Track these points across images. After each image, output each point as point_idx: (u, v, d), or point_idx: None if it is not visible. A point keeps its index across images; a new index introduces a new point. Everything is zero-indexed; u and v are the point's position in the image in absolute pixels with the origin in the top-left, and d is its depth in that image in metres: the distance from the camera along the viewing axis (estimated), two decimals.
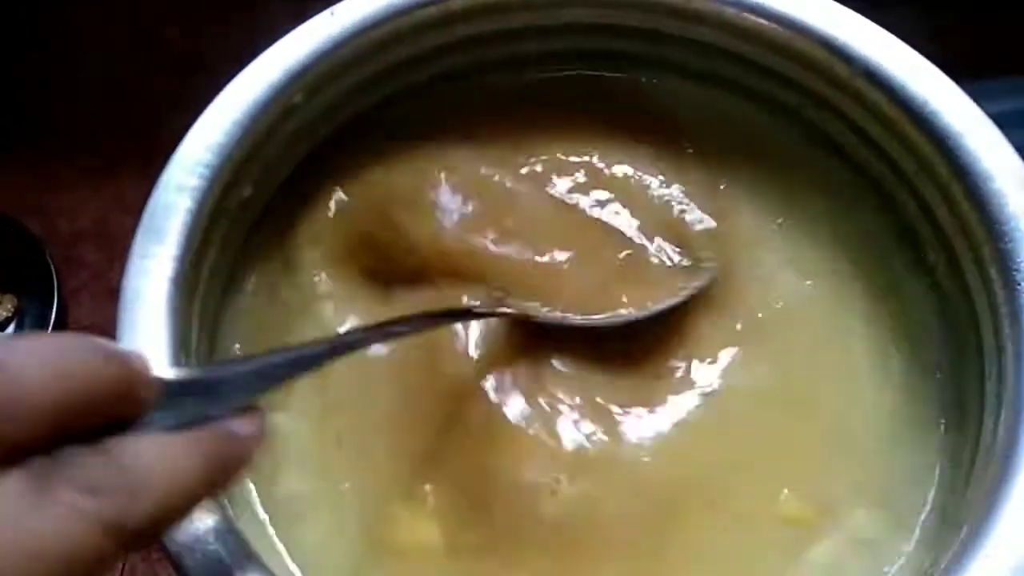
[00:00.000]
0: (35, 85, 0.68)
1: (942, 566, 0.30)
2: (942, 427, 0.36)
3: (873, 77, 0.38)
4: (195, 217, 0.35)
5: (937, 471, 0.35)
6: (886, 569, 0.34)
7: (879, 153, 0.40)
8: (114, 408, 0.22)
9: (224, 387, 0.24)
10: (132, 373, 0.22)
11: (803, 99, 0.41)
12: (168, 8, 0.68)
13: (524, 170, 0.42)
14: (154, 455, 0.22)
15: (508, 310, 0.37)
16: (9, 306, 0.63)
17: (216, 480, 0.24)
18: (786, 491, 0.35)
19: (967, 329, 0.36)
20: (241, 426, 0.24)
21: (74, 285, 0.64)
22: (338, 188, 0.41)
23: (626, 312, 0.37)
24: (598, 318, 0.37)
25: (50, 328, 0.60)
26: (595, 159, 0.42)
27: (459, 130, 0.43)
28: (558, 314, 0.37)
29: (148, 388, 0.23)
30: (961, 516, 0.32)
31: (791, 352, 0.38)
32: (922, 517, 0.35)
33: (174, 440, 0.23)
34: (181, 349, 0.33)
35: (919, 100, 0.37)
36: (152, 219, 0.35)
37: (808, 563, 0.34)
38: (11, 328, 0.63)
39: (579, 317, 0.37)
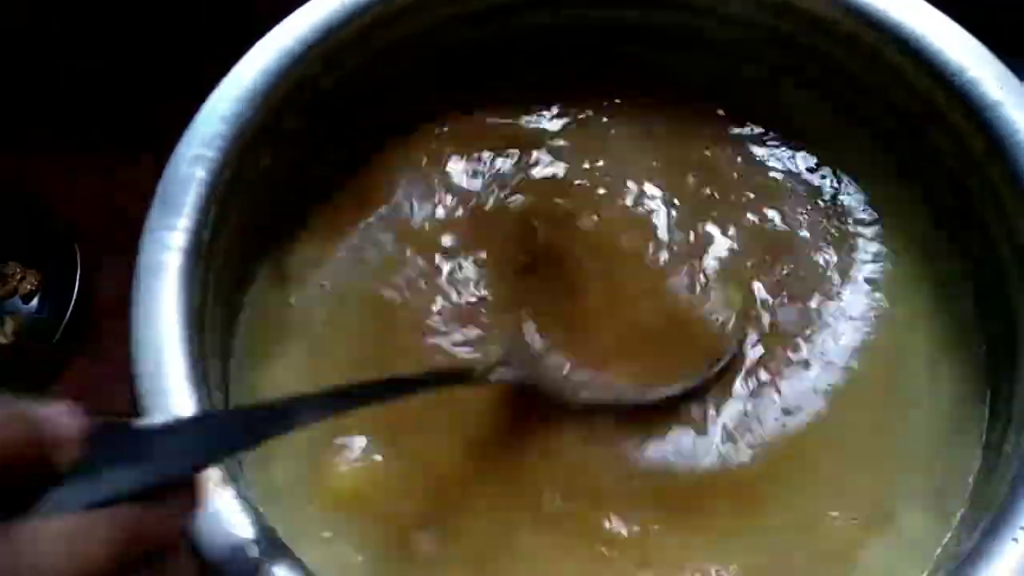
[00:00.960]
0: (68, 68, 0.67)
1: (971, 545, 0.29)
2: (985, 419, 0.35)
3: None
4: (210, 188, 0.35)
5: (977, 463, 0.35)
6: (927, 561, 0.33)
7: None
8: (21, 475, 0.20)
9: (166, 449, 0.22)
10: (44, 437, 0.20)
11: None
12: None
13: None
14: (54, 540, 0.19)
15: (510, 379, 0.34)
16: (34, 280, 0.64)
17: (131, 564, 0.21)
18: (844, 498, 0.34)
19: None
20: (169, 505, 0.22)
21: (97, 262, 0.64)
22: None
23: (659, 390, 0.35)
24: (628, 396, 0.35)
25: (72, 303, 0.61)
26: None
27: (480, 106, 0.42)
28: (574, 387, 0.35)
29: (65, 452, 0.20)
30: (988, 499, 0.31)
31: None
32: (963, 509, 0.34)
33: (84, 520, 0.20)
34: (195, 320, 0.33)
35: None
36: (166, 191, 0.34)
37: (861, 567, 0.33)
38: (34, 302, 0.63)
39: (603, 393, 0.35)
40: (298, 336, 0.38)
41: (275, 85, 0.37)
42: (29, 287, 0.63)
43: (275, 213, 0.39)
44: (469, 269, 0.38)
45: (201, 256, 0.34)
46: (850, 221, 0.39)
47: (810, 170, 0.41)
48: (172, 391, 0.31)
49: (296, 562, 0.29)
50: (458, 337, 0.36)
